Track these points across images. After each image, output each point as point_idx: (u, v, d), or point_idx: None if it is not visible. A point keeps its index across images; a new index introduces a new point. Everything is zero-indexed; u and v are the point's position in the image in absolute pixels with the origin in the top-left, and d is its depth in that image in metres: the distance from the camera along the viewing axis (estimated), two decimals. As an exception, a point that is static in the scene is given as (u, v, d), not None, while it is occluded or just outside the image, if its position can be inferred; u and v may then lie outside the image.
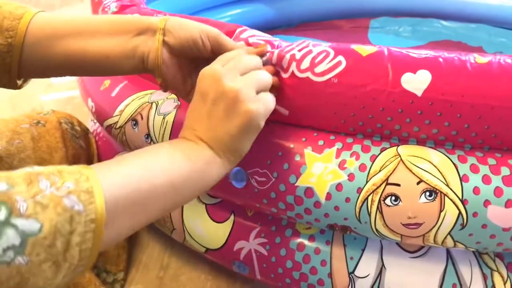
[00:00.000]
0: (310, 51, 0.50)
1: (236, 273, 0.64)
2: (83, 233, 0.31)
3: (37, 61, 0.48)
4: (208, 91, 0.43)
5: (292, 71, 0.49)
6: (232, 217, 0.60)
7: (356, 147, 0.49)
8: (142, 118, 0.62)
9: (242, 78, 0.44)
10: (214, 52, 0.48)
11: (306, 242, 0.55)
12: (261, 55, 0.50)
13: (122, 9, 0.69)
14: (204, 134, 0.43)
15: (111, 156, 0.76)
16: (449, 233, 0.47)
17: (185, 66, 0.49)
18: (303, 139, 0.51)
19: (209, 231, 0.61)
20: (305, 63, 0.49)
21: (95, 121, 0.85)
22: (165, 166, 0.39)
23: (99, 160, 0.79)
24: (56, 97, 1.31)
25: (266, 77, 0.46)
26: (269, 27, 1.45)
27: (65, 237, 0.31)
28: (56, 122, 0.74)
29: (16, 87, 0.50)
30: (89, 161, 0.77)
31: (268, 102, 0.45)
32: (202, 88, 0.44)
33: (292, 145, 0.51)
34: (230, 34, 0.56)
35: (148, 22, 0.48)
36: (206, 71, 0.44)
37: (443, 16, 1.43)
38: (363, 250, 0.53)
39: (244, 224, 0.59)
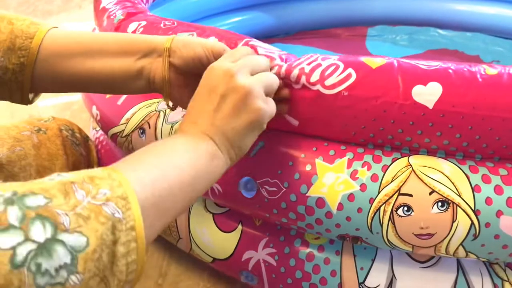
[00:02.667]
0: (319, 64, 0.50)
1: (236, 281, 0.64)
2: (126, 243, 0.30)
3: (48, 78, 0.49)
4: (217, 85, 0.42)
5: (303, 83, 0.49)
6: (240, 227, 0.60)
7: (368, 157, 0.49)
8: (149, 127, 0.61)
9: (253, 77, 0.43)
10: None
11: (315, 252, 0.55)
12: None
13: (128, 17, 0.69)
14: (208, 129, 0.41)
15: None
16: (461, 244, 0.47)
17: (192, 83, 0.49)
18: (314, 148, 0.51)
19: (217, 241, 0.61)
20: (315, 76, 0.49)
21: (97, 129, 0.85)
22: (179, 163, 0.38)
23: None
24: (54, 102, 1.30)
25: (274, 80, 0.46)
26: (267, 35, 1.46)
27: (110, 248, 0.29)
28: (57, 129, 0.73)
29: (29, 102, 0.51)
30: (89, 169, 0.77)
31: (273, 105, 0.45)
32: (210, 82, 0.43)
33: (303, 155, 0.51)
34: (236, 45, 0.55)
35: (154, 43, 0.48)
36: (216, 66, 0.44)
37: (439, 25, 1.45)
38: (373, 260, 0.53)
39: (252, 234, 0.59)
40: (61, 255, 0.27)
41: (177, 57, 0.47)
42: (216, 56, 0.47)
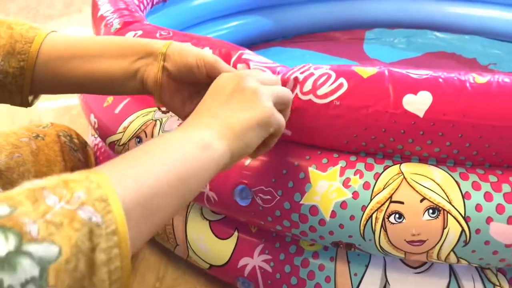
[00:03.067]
0: (311, 74, 0.50)
1: (232, 286, 0.64)
2: (107, 249, 0.27)
3: (48, 81, 0.50)
4: (225, 86, 0.42)
5: (296, 93, 0.50)
6: (236, 234, 0.60)
7: (360, 165, 0.50)
8: (146, 136, 0.62)
9: (264, 86, 0.43)
10: (211, 77, 0.47)
11: (310, 258, 0.56)
12: None
13: (125, 26, 0.70)
14: (208, 120, 0.39)
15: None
16: (452, 250, 0.47)
17: (185, 90, 0.50)
18: (307, 157, 0.52)
19: (213, 248, 0.61)
20: (308, 85, 0.50)
21: (96, 136, 0.86)
22: (167, 158, 0.35)
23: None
24: (54, 105, 1.31)
25: (287, 93, 0.45)
26: (266, 39, 1.47)
27: (88, 256, 0.26)
28: (55, 135, 0.74)
29: (28, 105, 0.52)
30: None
31: (282, 118, 0.43)
32: (218, 85, 0.43)
33: (296, 163, 0.52)
34: (229, 56, 0.56)
35: (151, 47, 0.49)
36: (225, 73, 0.44)
37: (437, 28, 1.45)
38: (367, 266, 0.54)
39: (248, 241, 0.60)
40: (27, 269, 0.24)
41: (171, 62, 0.48)
42: (207, 66, 0.47)
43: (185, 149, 0.36)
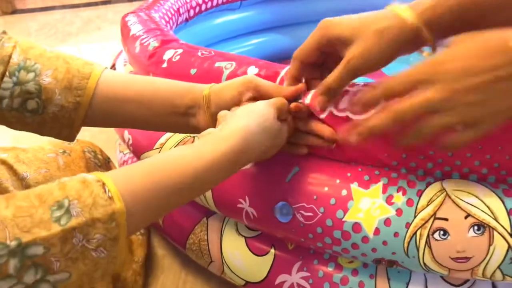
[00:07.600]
0: (347, 91, 0.51)
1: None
2: (105, 266, 0.37)
3: (100, 117, 0.53)
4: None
5: (330, 111, 0.51)
6: (272, 251, 0.61)
7: (402, 182, 0.50)
8: (183, 153, 0.63)
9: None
10: (256, 98, 0.51)
11: (349, 276, 0.56)
12: (299, 92, 0.52)
13: (163, 44, 0.72)
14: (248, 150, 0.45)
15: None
16: (498, 267, 0.47)
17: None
18: (348, 174, 0.52)
19: (249, 265, 0.62)
20: (343, 103, 0.50)
21: (125, 152, 0.87)
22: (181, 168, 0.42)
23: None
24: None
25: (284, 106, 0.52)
26: (286, 57, 1.48)
27: (90, 275, 0.36)
28: (80, 151, 0.76)
29: (73, 139, 0.54)
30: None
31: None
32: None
33: (338, 180, 0.52)
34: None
35: (194, 98, 0.53)
36: None
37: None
38: (407, 284, 0.54)
39: (285, 258, 0.60)
40: None
41: (214, 106, 0.52)
42: (253, 88, 0.52)
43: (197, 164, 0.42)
